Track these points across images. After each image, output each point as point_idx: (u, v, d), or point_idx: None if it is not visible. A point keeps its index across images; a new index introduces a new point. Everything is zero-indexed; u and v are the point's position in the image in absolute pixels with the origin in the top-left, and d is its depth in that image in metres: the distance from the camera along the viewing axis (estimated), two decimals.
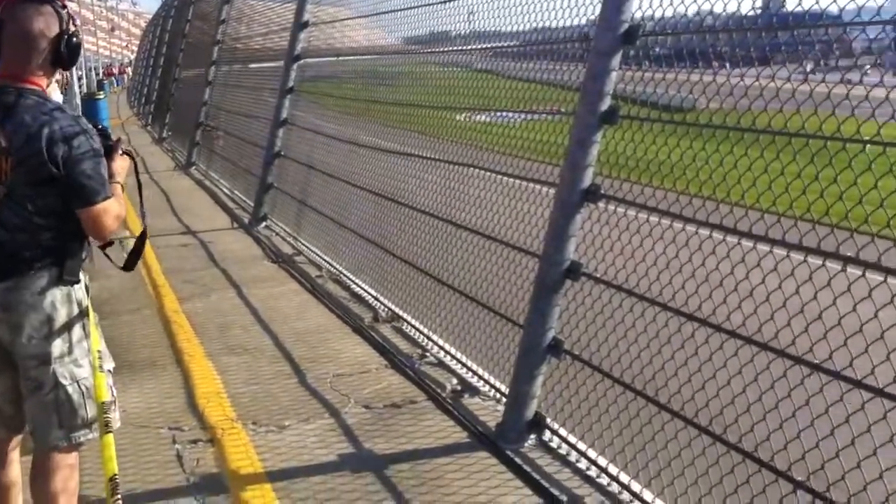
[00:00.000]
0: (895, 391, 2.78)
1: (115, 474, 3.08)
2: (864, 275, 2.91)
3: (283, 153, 10.12)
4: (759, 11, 3.90)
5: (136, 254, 3.46)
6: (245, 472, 4.24)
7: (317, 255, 8.58)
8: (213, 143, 14.56)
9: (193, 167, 15.65)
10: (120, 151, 3.37)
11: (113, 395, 3.22)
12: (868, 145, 3.00)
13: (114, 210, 3.16)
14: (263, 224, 10.25)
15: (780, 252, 3.25)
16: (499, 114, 5.68)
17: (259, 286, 7.69)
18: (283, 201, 10.09)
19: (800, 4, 3.32)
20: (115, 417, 3.21)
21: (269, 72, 11.38)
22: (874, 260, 2.85)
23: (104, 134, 3.27)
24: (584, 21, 4.56)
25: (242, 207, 11.42)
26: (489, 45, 6.10)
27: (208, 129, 15.04)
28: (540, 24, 4.99)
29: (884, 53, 3.43)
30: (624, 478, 3.86)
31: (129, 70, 66.52)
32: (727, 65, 3.73)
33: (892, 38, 3.39)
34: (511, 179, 5.13)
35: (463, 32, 6.49)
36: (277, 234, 9.81)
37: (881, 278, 2.78)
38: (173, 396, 5.21)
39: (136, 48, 62.17)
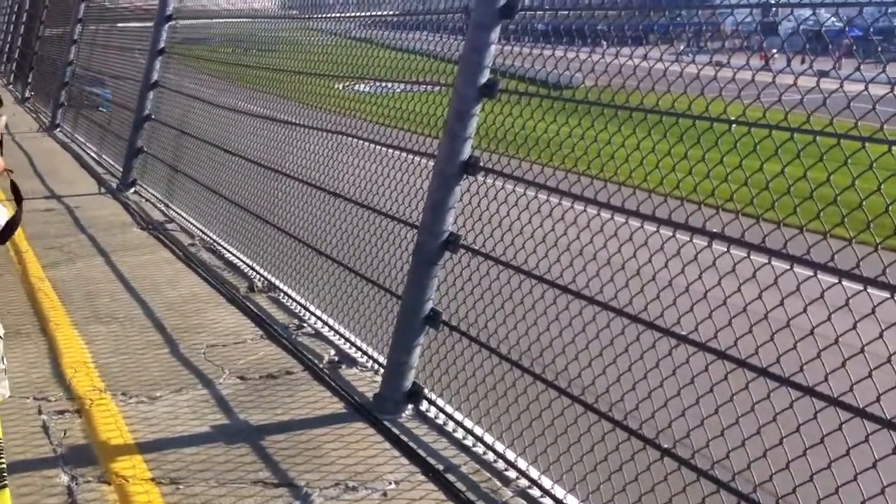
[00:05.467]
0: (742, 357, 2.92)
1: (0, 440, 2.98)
2: (728, 251, 3.04)
3: (153, 116, 9.81)
4: None
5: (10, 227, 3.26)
6: (115, 443, 4.15)
7: (189, 222, 8.37)
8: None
9: (58, 129, 15.01)
10: None
11: (3, 364, 3.08)
12: (734, 125, 3.12)
13: None
14: (132, 189, 9.93)
15: (650, 227, 3.36)
16: (378, 84, 5.65)
17: (128, 254, 7.47)
18: (153, 166, 9.80)
19: None
20: (4, 386, 3.07)
21: (139, 32, 10.99)
22: (739, 238, 2.97)
23: None
24: None
25: (110, 172, 11.03)
26: (369, 14, 6.05)
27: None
28: None
29: (750, 37, 3.56)
30: (499, 447, 3.94)
31: None
32: (604, 43, 3.81)
33: (759, 21, 3.52)
34: (391, 150, 5.12)
35: None
36: (147, 200, 9.53)
37: (764, 260, 2.89)
38: (38, 366, 5.04)
39: None
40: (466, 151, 4.23)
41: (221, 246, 7.51)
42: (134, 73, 10.60)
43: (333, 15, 6.76)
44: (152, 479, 3.82)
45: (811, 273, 2.75)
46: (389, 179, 5.08)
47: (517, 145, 4.09)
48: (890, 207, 2.54)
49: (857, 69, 2.69)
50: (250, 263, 6.91)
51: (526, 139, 4.05)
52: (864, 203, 2.61)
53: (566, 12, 4.07)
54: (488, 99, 4.19)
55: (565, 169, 3.82)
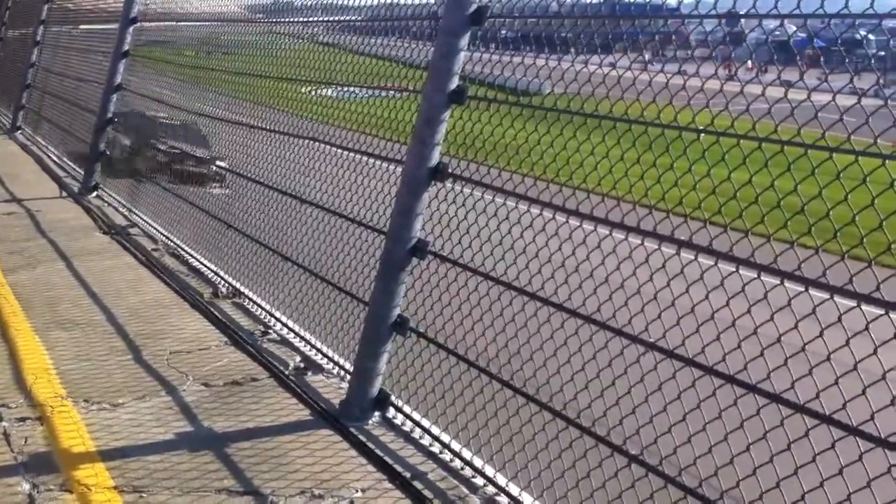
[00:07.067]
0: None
1: None
2: (695, 258, 3.06)
3: (116, 119, 9.71)
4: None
5: None
6: (77, 451, 4.08)
7: (153, 227, 8.28)
8: None
9: (19, 131, 14.80)
10: None
11: None
12: (702, 134, 3.14)
13: None
14: (94, 194, 9.80)
15: (619, 235, 3.37)
16: (345, 89, 5.63)
17: (90, 259, 7.37)
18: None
19: None
20: None
21: (103, 34, 10.88)
22: (707, 245, 2.99)
23: None
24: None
25: (72, 176, 10.87)
26: (337, 19, 6.03)
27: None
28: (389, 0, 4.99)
29: (718, 46, 3.59)
30: (467, 454, 3.93)
31: None
32: (572, 51, 3.83)
33: (727, 31, 3.55)
34: (359, 155, 5.10)
35: (309, 3, 6.40)
36: (110, 204, 9.41)
37: (732, 268, 2.91)
38: None
39: None
40: (435, 157, 4.22)
41: (185, 251, 7.43)
42: (97, 75, 10.49)
43: (300, 19, 6.73)
44: (115, 488, 3.76)
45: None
46: (357, 185, 5.06)
47: (486, 152, 4.10)
48: (856, 218, 2.57)
49: (825, 80, 2.72)
50: (214, 269, 6.84)
51: (494, 146, 4.06)
52: (830, 213, 2.65)
53: (535, 20, 4.09)
54: (457, 105, 4.20)
55: (534, 176, 3.83)
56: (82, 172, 10.24)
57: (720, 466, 2.87)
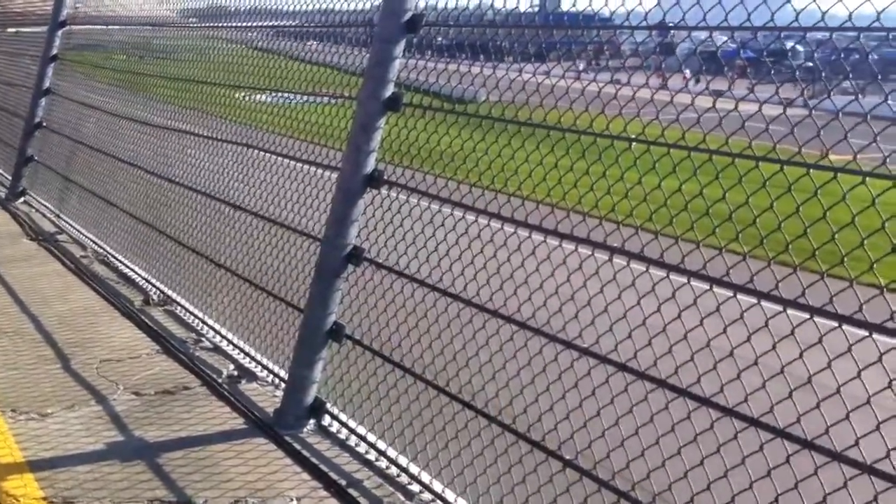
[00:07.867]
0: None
1: None
2: (627, 264, 3.11)
3: (45, 124, 9.51)
4: (536, 9, 4.06)
5: None
6: (4, 462, 4.00)
7: (82, 233, 8.12)
8: None
9: None
10: None
11: None
12: (633, 143, 3.20)
13: None
14: (22, 199, 9.59)
15: (553, 242, 3.41)
16: (280, 94, 5.59)
17: (17, 266, 7.20)
18: (44, 176, 9.49)
19: (574, 5, 3.50)
20: None
21: (32, 37, 10.65)
22: (638, 254, 3.04)
23: None
24: (370, 6, 4.61)
25: None
26: (271, 24, 6.00)
27: None
28: (324, 6, 4.98)
29: (649, 57, 3.66)
30: (403, 461, 3.92)
31: None
32: (507, 59, 3.87)
33: (657, 42, 3.62)
34: (294, 162, 5.07)
35: (243, 8, 6.36)
36: (38, 210, 9.21)
37: (664, 273, 2.96)
38: None
39: None
40: (370, 164, 4.22)
41: (115, 258, 7.30)
42: (25, 79, 10.27)
43: (235, 24, 6.67)
44: (45, 499, 3.68)
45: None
46: (292, 191, 5.03)
47: (422, 159, 4.11)
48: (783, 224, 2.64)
49: (751, 91, 2.79)
50: (146, 276, 6.73)
51: (430, 153, 4.07)
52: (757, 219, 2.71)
53: (471, 28, 4.12)
54: (393, 112, 4.20)
55: (469, 183, 3.85)
56: (9, 178, 10.00)
57: (652, 469, 2.92)
